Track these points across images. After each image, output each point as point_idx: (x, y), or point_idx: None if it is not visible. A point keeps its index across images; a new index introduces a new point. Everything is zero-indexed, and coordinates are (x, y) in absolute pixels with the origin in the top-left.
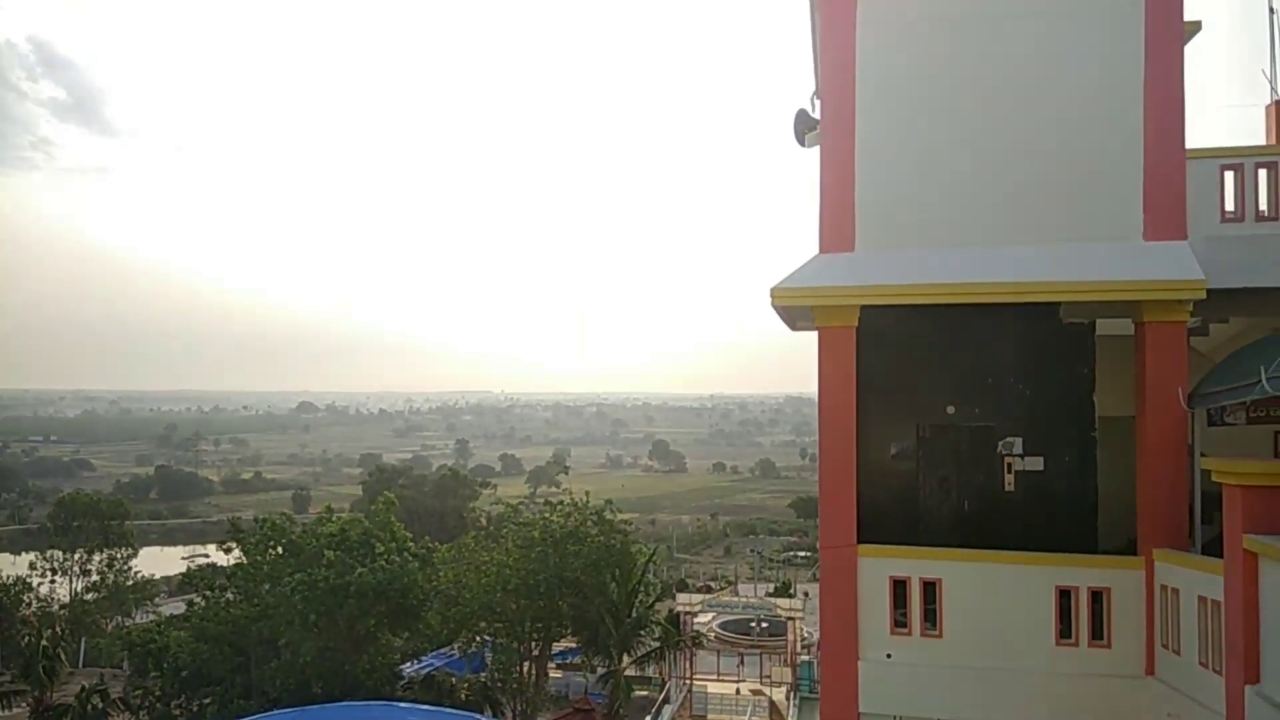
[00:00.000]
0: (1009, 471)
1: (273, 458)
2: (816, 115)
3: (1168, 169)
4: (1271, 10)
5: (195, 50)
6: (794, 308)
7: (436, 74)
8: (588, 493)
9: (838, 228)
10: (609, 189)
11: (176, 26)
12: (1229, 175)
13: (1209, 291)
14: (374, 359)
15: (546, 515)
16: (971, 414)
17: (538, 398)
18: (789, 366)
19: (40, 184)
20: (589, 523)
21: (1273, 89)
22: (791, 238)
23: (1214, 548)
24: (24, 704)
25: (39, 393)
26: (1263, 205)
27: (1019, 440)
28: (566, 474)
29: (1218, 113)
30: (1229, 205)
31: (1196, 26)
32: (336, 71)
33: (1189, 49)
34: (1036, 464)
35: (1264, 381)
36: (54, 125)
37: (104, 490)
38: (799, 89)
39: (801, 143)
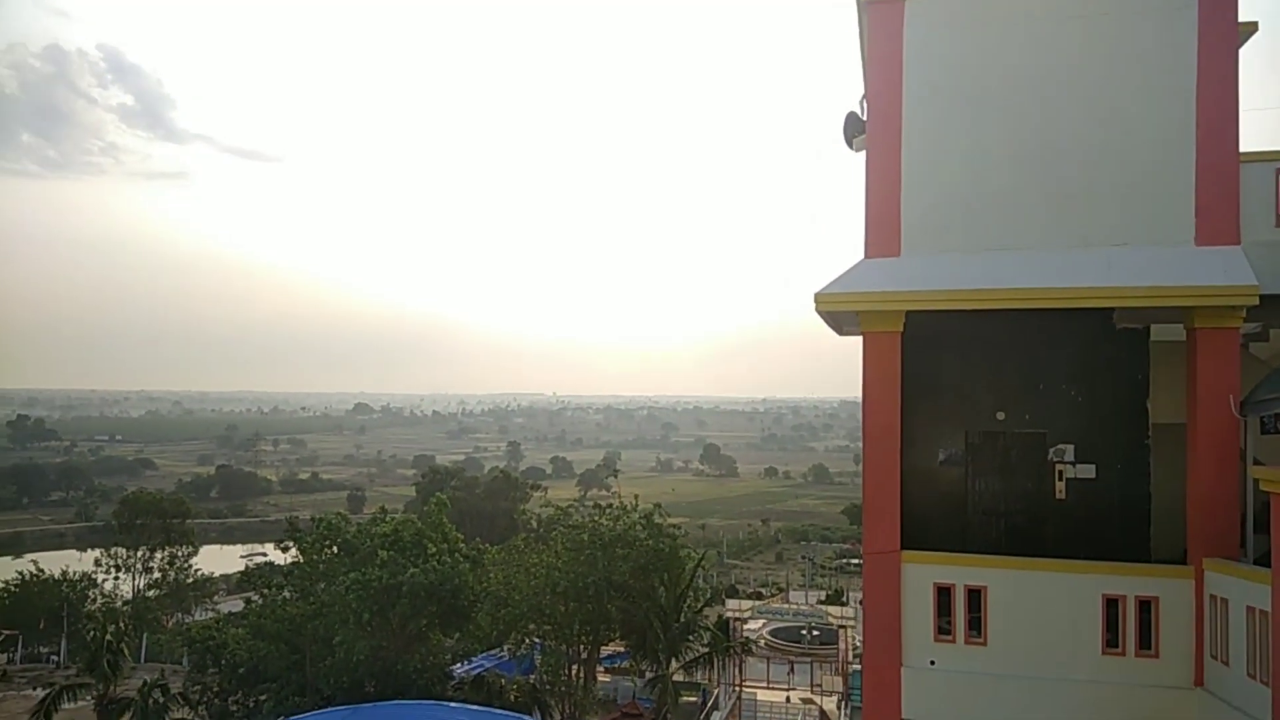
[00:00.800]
0: (1060, 479)
1: (329, 458)
2: (865, 119)
3: (1221, 173)
4: None
5: (258, 56)
6: (839, 313)
7: (499, 76)
8: (637, 496)
9: (883, 232)
10: (667, 193)
11: (241, 31)
12: None
13: (1263, 297)
14: (429, 361)
15: (596, 518)
16: (1022, 420)
17: (589, 400)
18: (844, 370)
19: (108, 189)
20: (638, 526)
21: None
22: (844, 240)
23: (1268, 558)
24: (89, 697)
25: (105, 393)
26: None
27: (1071, 447)
28: (616, 477)
29: (1274, 113)
30: None
31: (1253, 28)
32: (387, 73)
33: (1245, 49)
34: (1088, 471)
35: None
36: (122, 131)
37: (166, 489)
38: (852, 92)
39: (851, 146)
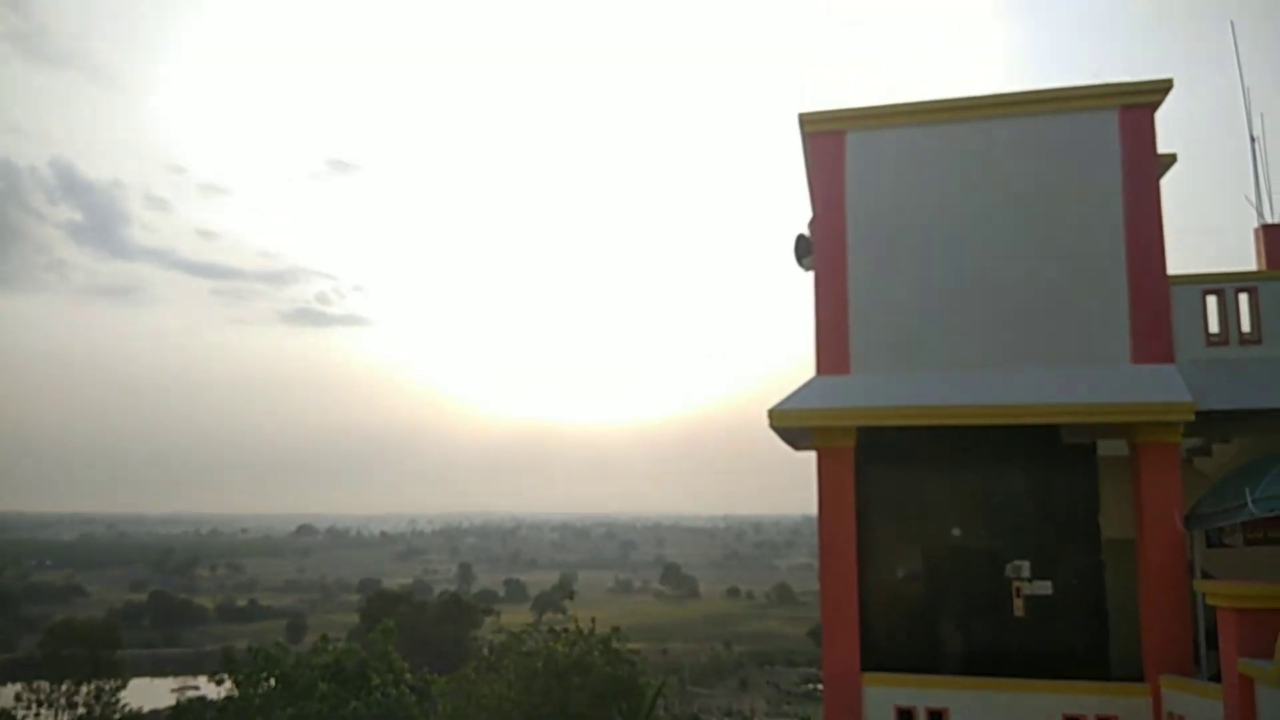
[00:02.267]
0: (1018, 595)
1: (269, 583)
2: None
3: (1151, 294)
4: (1253, 139)
5: (210, 170)
6: (794, 429)
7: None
8: (594, 619)
9: (833, 351)
10: (622, 305)
11: (195, 146)
12: (1211, 300)
13: (1200, 414)
14: (378, 478)
15: (551, 644)
16: (978, 536)
17: (545, 517)
18: (803, 485)
19: (52, 305)
20: (595, 653)
21: (1259, 214)
22: (800, 355)
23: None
24: None
25: (36, 515)
26: (1245, 328)
27: (1026, 564)
28: (573, 599)
29: (1209, 235)
30: (1213, 328)
31: (1172, 159)
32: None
33: (1169, 177)
34: (1045, 588)
35: (1250, 504)
36: (70, 248)
37: (97, 617)
38: (800, 211)
39: (801, 265)
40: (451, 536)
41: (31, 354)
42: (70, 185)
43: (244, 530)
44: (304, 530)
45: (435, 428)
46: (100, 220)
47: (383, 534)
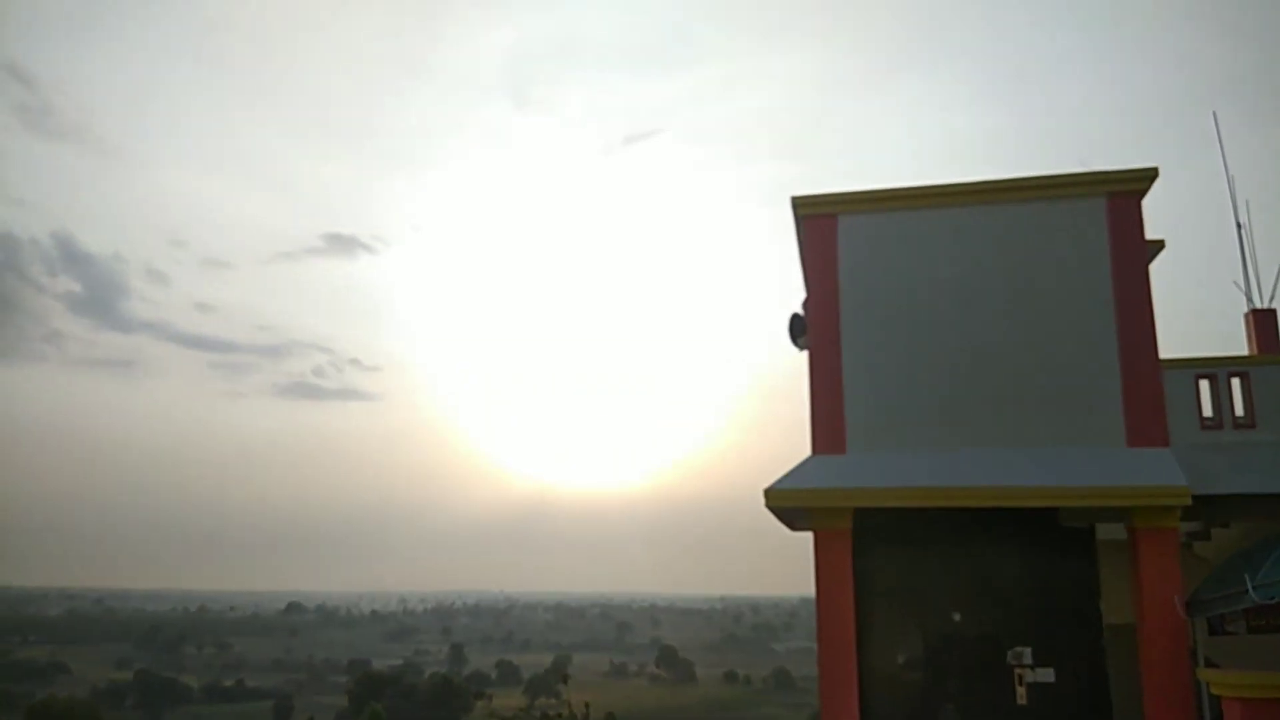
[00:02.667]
0: (1020, 683)
1: (257, 663)
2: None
3: (1144, 377)
4: (1239, 226)
5: (210, 247)
6: (789, 509)
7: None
8: (588, 704)
9: (829, 430)
10: (618, 382)
11: (194, 215)
12: (1204, 384)
13: (1197, 498)
14: (369, 556)
15: None
16: (978, 621)
17: (539, 597)
18: (802, 565)
19: (46, 376)
20: None
21: (1248, 299)
22: (795, 433)
23: None
24: None
25: (21, 590)
26: (1239, 412)
27: (1028, 650)
28: (567, 683)
29: (1199, 319)
30: (1207, 412)
31: (1160, 245)
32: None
33: (1170, 256)
34: (1047, 675)
35: (1250, 590)
36: (67, 319)
37: (80, 696)
38: (794, 291)
39: (796, 345)
40: (444, 615)
41: (23, 425)
42: (71, 257)
43: (232, 608)
44: (293, 608)
45: (428, 503)
46: (99, 292)
47: (373, 612)
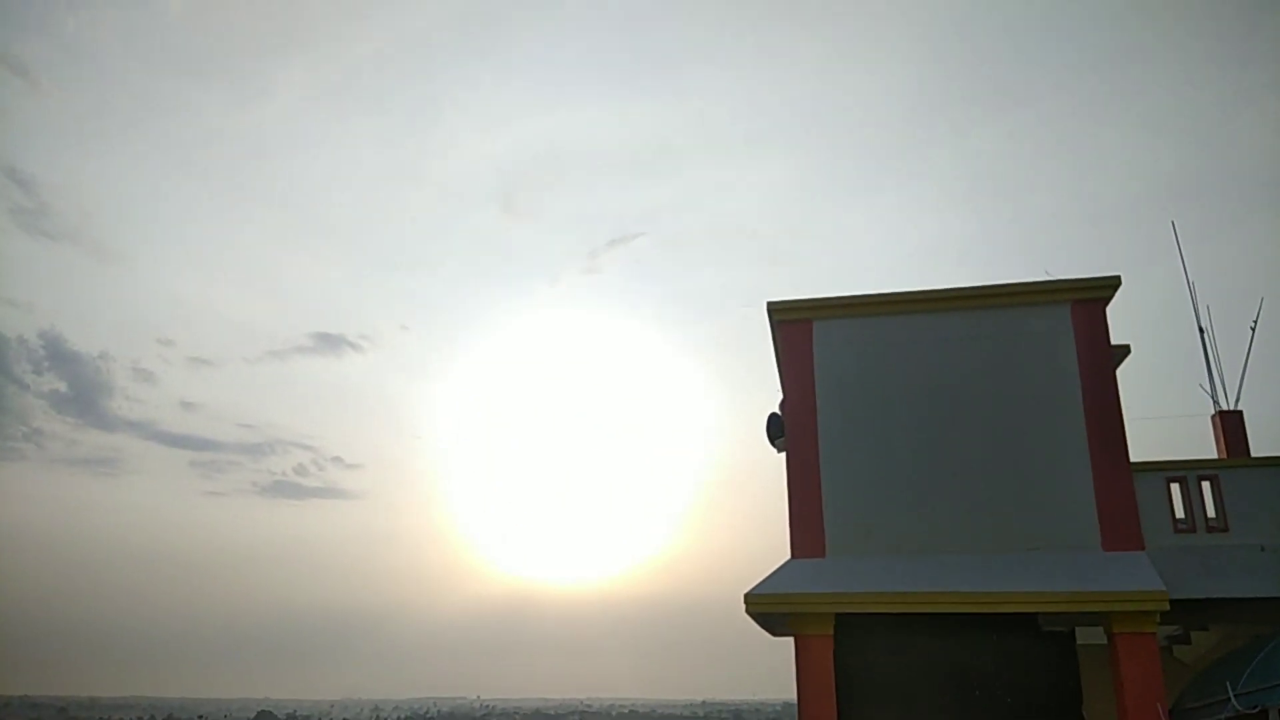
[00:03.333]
0: None
1: None
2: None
3: (1116, 481)
4: (1201, 330)
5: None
6: (770, 614)
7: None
8: None
9: (808, 534)
10: (599, 480)
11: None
12: (1175, 487)
13: (1175, 602)
14: (341, 661)
15: None
16: None
17: (516, 703)
18: (786, 670)
19: (23, 475)
20: None
21: (1214, 402)
22: (769, 536)
23: None
24: None
25: None
26: (1211, 515)
27: None
28: None
29: (1166, 422)
30: (1179, 514)
31: (1126, 350)
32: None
33: (1136, 359)
34: None
35: (1233, 699)
36: (51, 417)
37: None
38: (770, 389)
39: (775, 446)
40: None
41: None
42: (57, 356)
43: (201, 716)
44: (263, 716)
45: (406, 603)
46: (84, 391)
47: None
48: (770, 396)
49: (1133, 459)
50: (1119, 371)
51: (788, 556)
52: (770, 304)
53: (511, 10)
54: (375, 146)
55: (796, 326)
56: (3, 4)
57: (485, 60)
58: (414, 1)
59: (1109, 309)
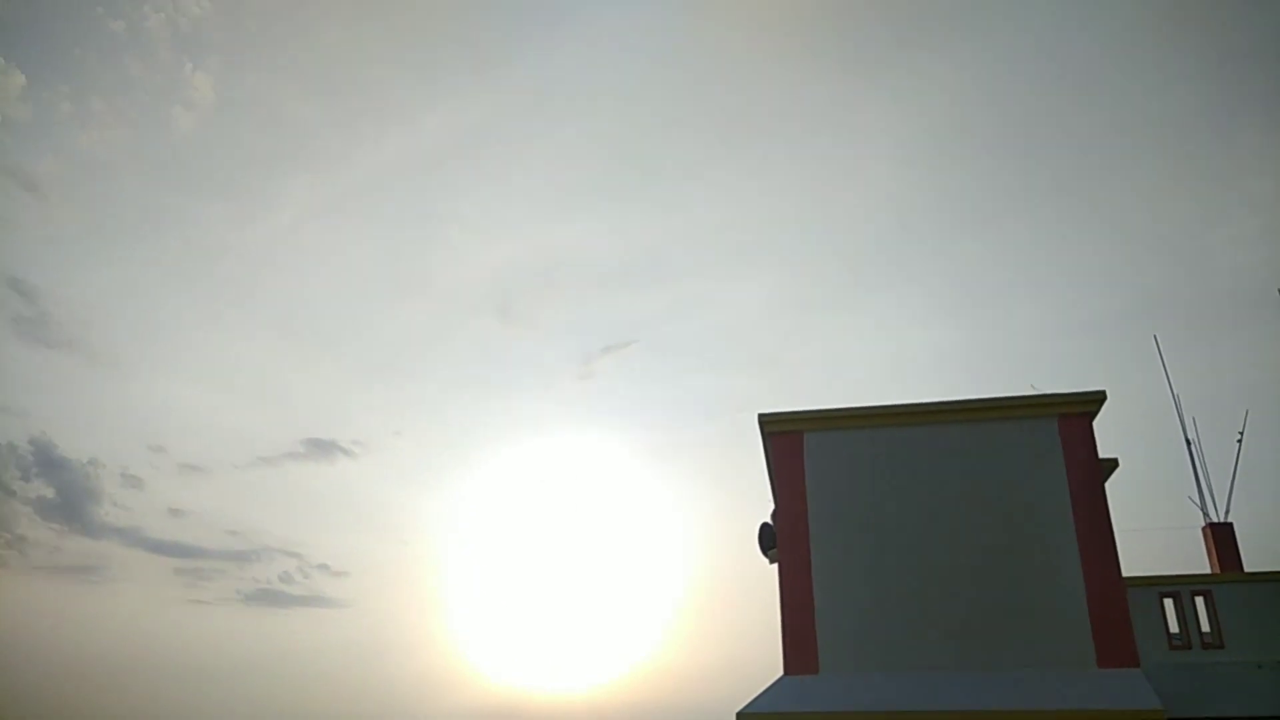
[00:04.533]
0: None
1: None
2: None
3: (1110, 597)
4: (1189, 442)
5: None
6: None
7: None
8: None
9: (801, 650)
10: (589, 588)
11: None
12: (1169, 602)
13: None
14: None
15: None
16: None
17: None
18: None
19: (3, 583)
20: None
21: (1204, 514)
22: (761, 646)
23: None
24: None
25: None
26: (1205, 630)
27: None
28: None
29: (1157, 534)
30: (1174, 629)
31: (1114, 463)
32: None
33: (1124, 472)
34: None
35: None
36: (35, 524)
37: None
38: (764, 498)
39: (766, 556)
40: None
41: None
42: (47, 463)
43: None
44: None
45: (392, 715)
46: (71, 497)
47: None
48: (762, 504)
49: (1125, 573)
50: (1108, 485)
51: (779, 668)
52: (762, 416)
53: (511, 130)
54: (375, 258)
55: (788, 438)
56: (17, 123)
57: (485, 175)
58: (415, 121)
59: (1095, 422)
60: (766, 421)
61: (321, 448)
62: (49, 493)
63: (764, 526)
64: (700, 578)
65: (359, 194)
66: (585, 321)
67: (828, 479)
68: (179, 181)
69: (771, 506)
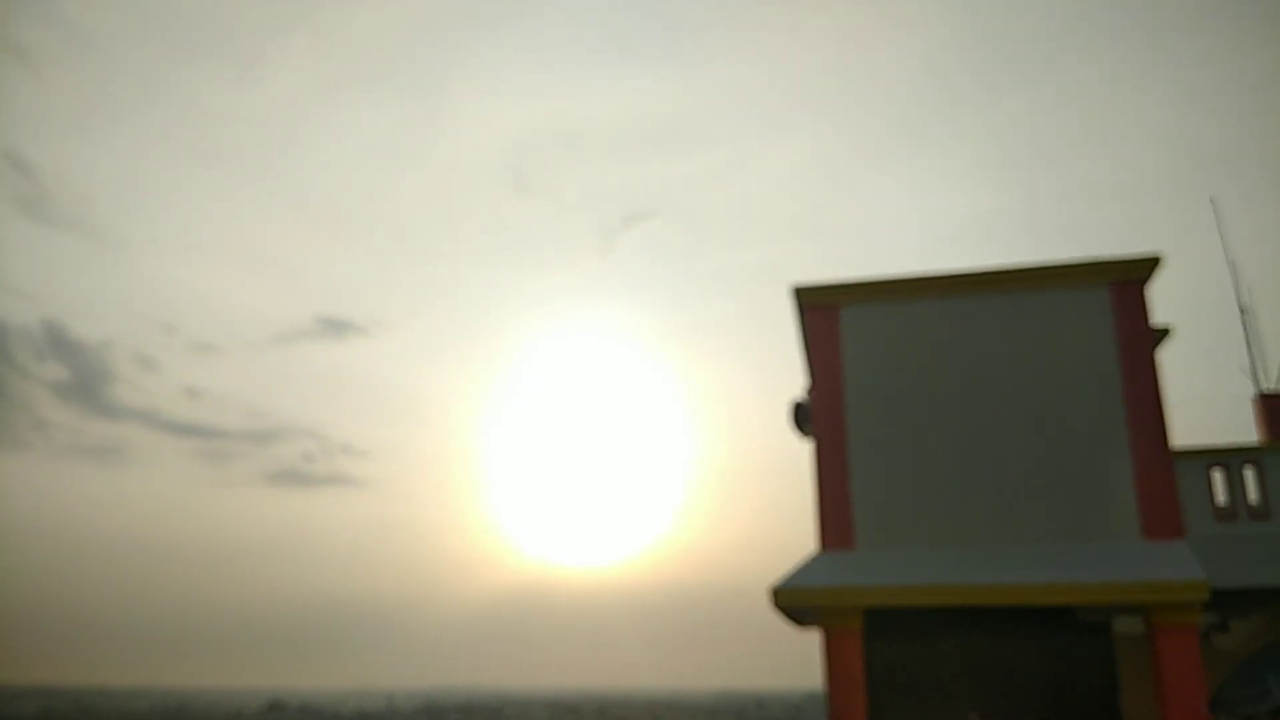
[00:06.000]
0: None
1: None
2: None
3: (1156, 467)
4: (1242, 310)
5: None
6: (798, 608)
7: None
8: None
9: (837, 526)
10: (615, 465)
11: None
12: (1217, 474)
13: (1215, 591)
14: (354, 650)
15: None
16: (995, 719)
17: (532, 693)
18: (810, 658)
19: (32, 465)
20: None
21: (1255, 384)
22: (791, 523)
23: None
24: None
25: None
26: (1253, 501)
27: None
28: None
29: (1207, 405)
30: (1221, 501)
31: (1166, 332)
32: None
33: (1175, 341)
34: None
35: (1275, 690)
36: (55, 407)
37: None
38: (796, 372)
39: (801, 431)
40: (433, 713)
41: (4, 514)
42: (60, 344)
43: (213, 706)
44: (275, 707)
45: (419, 592)
46: (87, 379)
47: (359, 713)
48: (792, 378)
49: (1173, 445)
50: (1159, 354)
51: (812, 546)
52: (798, 289)
53: None
54: (381, 126)
55: (824, 312)
56: None
57: (493, 34)
58: None
59: (1148, 289)
60: (802, 294)
61: (336, 326)
62: (64, 375)
63: (798, 404)
64: (727, 455)
65: (361, 57)
66: (605, 192)
67: (866, 353)
68: (172, 47)
69: (804, 381)
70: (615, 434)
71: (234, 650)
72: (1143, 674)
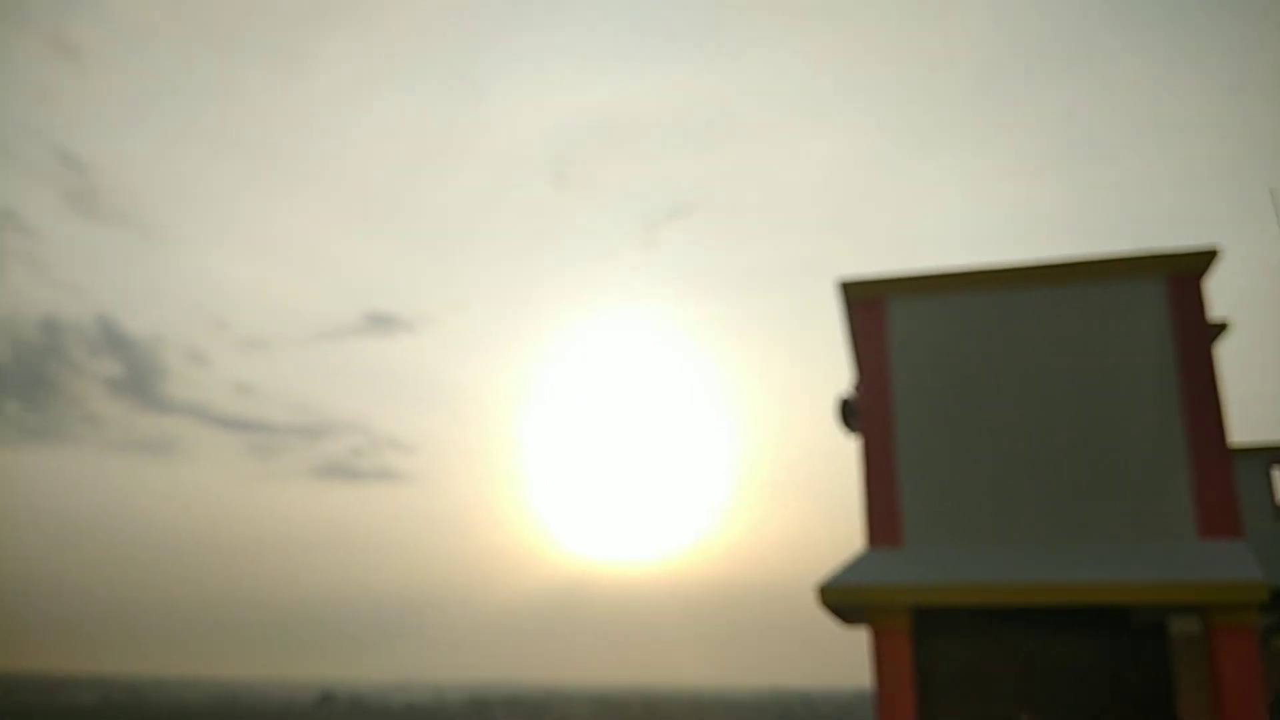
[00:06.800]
0: None
1: None
2: (858, 405)
3: (1214, 465)
4: None
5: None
6: (845, 606)
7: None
8: None
9: (885, 523)
10: (661, 461)
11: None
12: (1277, 472)
13: (1274, 592)
14: (403, 643)
15: None
16: None
17: (578, 689)
18: (857, 656)
19: (84, 459)
20: None
21: None
22: (838, 520)
23: None
24: None
25: (50, 676)
26: None
27: None
28: None
29: (1265, 401)
30: None
31: (1224, 326)
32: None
33: (1235, 337)
34: None
35: None
36: (107, 401)
37: None
38: (841, 367)
39: (848, 427)
40: (479, 708)
41: (59, 508)
42: (112, 340)
43: (265, 698)
44: (327, 698)
45: (466, 586)
46: (139, 374)
47: (408, 706)
48: (839, 374)
49: (1231, 441)
50: (1216, 349)
51: (860, 543)
52: (844, 283)
53: None
54: (422, 120)
55: (871, 306)
56: None
57: (533, 27)
58: None
59: (1205, 282)
60: (849, 288)
61: (381, 322)
62: (117, 370)
63: (844, 400)
64: (773, 450)
65: (403, 52)
66: (647, 185)
67: (914, 348)
68: (215, 43)
69: (851, 377)
70: (658, 429)
71: (285, 642)
72: (1199, 676)
